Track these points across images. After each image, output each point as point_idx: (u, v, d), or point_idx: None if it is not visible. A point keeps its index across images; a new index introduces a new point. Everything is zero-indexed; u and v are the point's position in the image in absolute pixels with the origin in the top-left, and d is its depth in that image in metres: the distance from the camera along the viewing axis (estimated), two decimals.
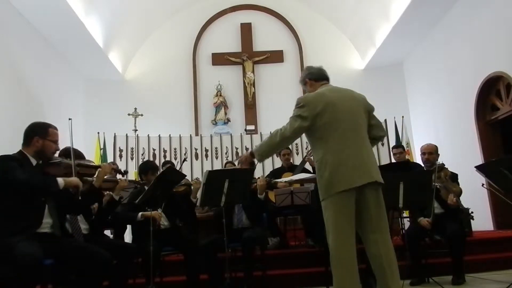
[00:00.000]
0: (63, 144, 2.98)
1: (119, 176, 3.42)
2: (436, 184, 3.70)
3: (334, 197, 2.39)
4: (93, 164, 3.09)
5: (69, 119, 2.89)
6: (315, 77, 2.74)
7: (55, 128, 2.73)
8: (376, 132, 2.68)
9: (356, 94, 2.67)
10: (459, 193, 3.80)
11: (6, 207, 2.44)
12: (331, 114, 2.47)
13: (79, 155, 3.11)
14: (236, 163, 2.66)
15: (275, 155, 7.57)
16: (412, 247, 3.67)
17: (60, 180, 2.52)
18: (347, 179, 2.38)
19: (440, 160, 4.01)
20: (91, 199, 3.03)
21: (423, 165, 4.17)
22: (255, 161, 2.74)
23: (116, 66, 8.42)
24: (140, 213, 3.53)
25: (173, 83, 8.95)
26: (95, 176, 2.97)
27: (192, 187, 4.08)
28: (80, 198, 2.86)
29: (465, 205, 3.79)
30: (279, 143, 2.54)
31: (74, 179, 2.62)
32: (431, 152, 4.01)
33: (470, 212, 3.68)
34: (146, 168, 3.92)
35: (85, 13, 6.70)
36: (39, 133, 2.63)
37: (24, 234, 2.35)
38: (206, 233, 4.60)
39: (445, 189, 3.77)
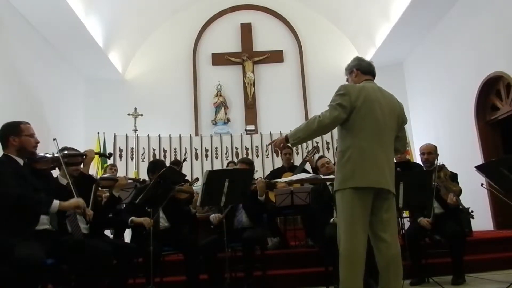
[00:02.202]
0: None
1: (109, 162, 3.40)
2: (436, 183, 3.70)
3: (351, 192, 2.38)
4: (79, 152, 3.09)
5: (54, 139, 2.87)
6: (363, 69, 2.69)
7: (27, 123, 2.70)
8: (399, 145, 2.66)
9: (396, 101, 2.64)
10: (459, 192, 3.80)
11: (2, 207, 2.41)
12: (366, 111, 2.45)
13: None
14: (269, 147, 2.66)
15: (276, 155, 7.61)
16: (412, 247, 3.67)
17: (55, 204, 2.47)
18: (368, 178, 2.37)
19: (440, 160, 4.01)
20: (83, 187, 2.96)
21: (422, 165, 4.17)
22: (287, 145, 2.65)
23: (116, 66, 8.42)
24: (130, 219, 3.55)
25: (173, 83, 8.95)
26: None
27: (194, 197, 4.06)
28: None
29: (465, 205, 3.79)
30: (316, 131, 2.46)
31: (72, 201, 2.56)
32: (430, 152, 4.02)
33: (470, 211, 3.68)
34: (155, 167, 3.92)
35: (85, 13, 6.70)
36: (12, 132, 2.61)
37: (23, 234, 2.34)
38: (206, 233, 4.59)
39: (445, 189, 3.77)
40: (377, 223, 2.44)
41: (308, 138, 2.55)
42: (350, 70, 2.74)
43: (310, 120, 2.50)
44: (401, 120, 2.63)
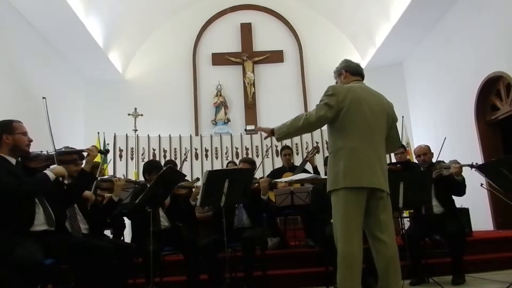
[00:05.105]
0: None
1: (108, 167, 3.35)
2: (437, 172, 3.72)
3: (345, 192, 2.38)
4: (76, 149, 3.02)
5: (43, 97, 2.83)
6: (352, 70, 2.71)
7: (19, 121, 2.68)
8: (390, 144, 2.67)
9: (385, 100, 2.65)
10: (460, 165, 3.76)
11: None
12: (356, 111, 2.46)
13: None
14: (252, 128, 2.65)
15: (276, 155, 7.62)
16: (412, 247, 3.66)
17: (49, 174, 2.50)
18: (360, 177, 2.38)
19: (439, 159, 4.05)
20: (82, 184, 2.93)
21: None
22: (272, 138, 2.66)
23: (116, 66, 8.42)
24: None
25: (173, 83, 8.95)
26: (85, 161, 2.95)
27: (193, 190, 4.05)
28: (71, 185, 2.85)
29: (465, 206, 3.79)
30: (301, 128, 2.51)
31: (59, 167, 2.59)
32: (425, 153, 4.07)
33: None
34: (151, 167, 3.91)
35: (85, 13, 6.70)
36: (5, 131, 2.57)
37: (20, 234, 2.32)
38: (206, 233, 4.59)
39: (445, 169, 3.77)
40: (374, 224, 2.44)
41: (293, 134, 2.61)
42: (339, 72, 2.76)
43: (297, 117, 2.52)
44: (391, 119, 2.64)
